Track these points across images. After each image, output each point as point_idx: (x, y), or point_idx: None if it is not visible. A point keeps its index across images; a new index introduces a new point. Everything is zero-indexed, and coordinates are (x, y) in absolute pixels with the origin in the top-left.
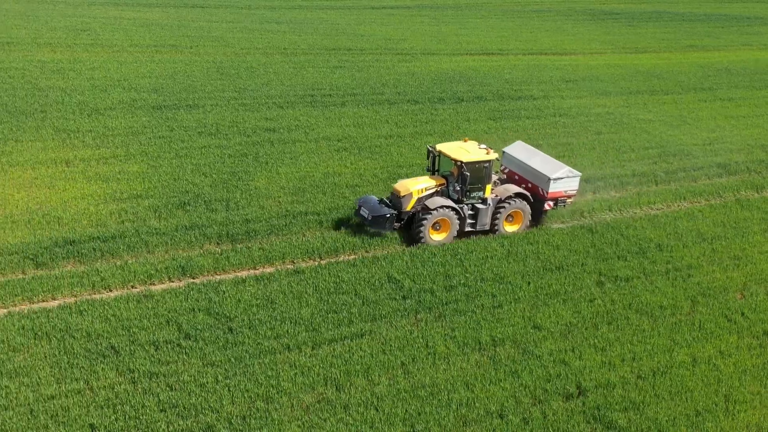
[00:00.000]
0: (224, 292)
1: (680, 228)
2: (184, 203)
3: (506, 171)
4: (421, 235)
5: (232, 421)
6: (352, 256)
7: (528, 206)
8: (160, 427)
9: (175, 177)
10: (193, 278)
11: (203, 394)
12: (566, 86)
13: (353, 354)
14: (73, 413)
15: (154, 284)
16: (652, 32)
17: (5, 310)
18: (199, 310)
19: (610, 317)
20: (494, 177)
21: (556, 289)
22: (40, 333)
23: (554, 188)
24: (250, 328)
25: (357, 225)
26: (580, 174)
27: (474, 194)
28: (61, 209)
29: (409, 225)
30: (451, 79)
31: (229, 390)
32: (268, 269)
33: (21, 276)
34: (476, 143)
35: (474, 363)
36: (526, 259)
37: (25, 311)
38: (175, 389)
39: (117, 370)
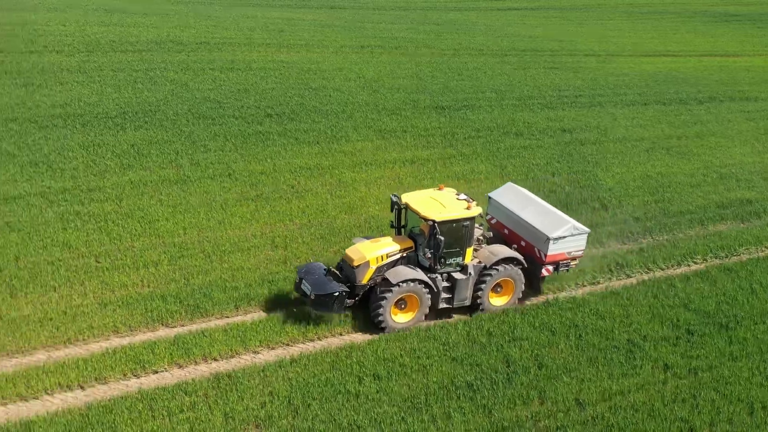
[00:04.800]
0: (677, 287)
1: None
2: (567, 204)
3: (493, 221)
4: (381, 317)
5: None
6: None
7: (521, 272)
8: None
9: (530, 176)
10: (629, 276)
11: None
12: None
13: None
14: (656, 406)
15: (598, 282)
16: None
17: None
18: (676, 306)
19: None
20: (477, 233)
21: None
22: (555, 330)
23: (554, 250)
24: (738, 324)
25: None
26: (588, 230)
27: (450, 260)
28: None
29: (367, 302)
30: (666, 80)
31: None
32: (699, 266)
33: None
34: (454, 192)
35: None
36: None
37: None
38: (731, 383)
39: (654, 362)
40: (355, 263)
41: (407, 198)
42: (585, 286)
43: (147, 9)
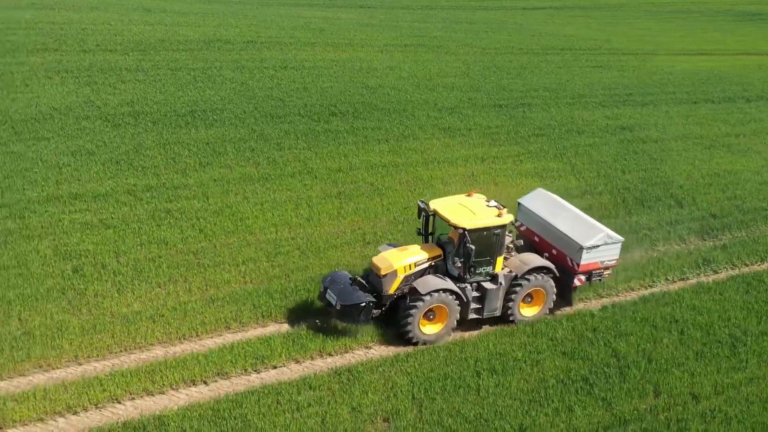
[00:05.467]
0: (767, 282)
1: None
2: (642, 201)
3: (522, 228)
4: (408, 328)
5: None
6: None
7: (552, 282)
8: None
9: (601, 173)
10: (716, 272)
11: None
12: None
13: None
14: None
15: (687, 278)
16: None
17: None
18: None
19: None
20: (507, 240)
21: None
22: (657, 325)
23: (588, 259)
24: None
25: None
26: (622, 239)
27: (480, 270)
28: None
29: (394, 312)
30: (709, 79)
31: None
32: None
33: None
34: (484, 198)
35: None
36: None
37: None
38: None
39: (758, 357)
40: (383, 272)
41: (436, 204)
42: (675, 281)
43: (183, 8)
